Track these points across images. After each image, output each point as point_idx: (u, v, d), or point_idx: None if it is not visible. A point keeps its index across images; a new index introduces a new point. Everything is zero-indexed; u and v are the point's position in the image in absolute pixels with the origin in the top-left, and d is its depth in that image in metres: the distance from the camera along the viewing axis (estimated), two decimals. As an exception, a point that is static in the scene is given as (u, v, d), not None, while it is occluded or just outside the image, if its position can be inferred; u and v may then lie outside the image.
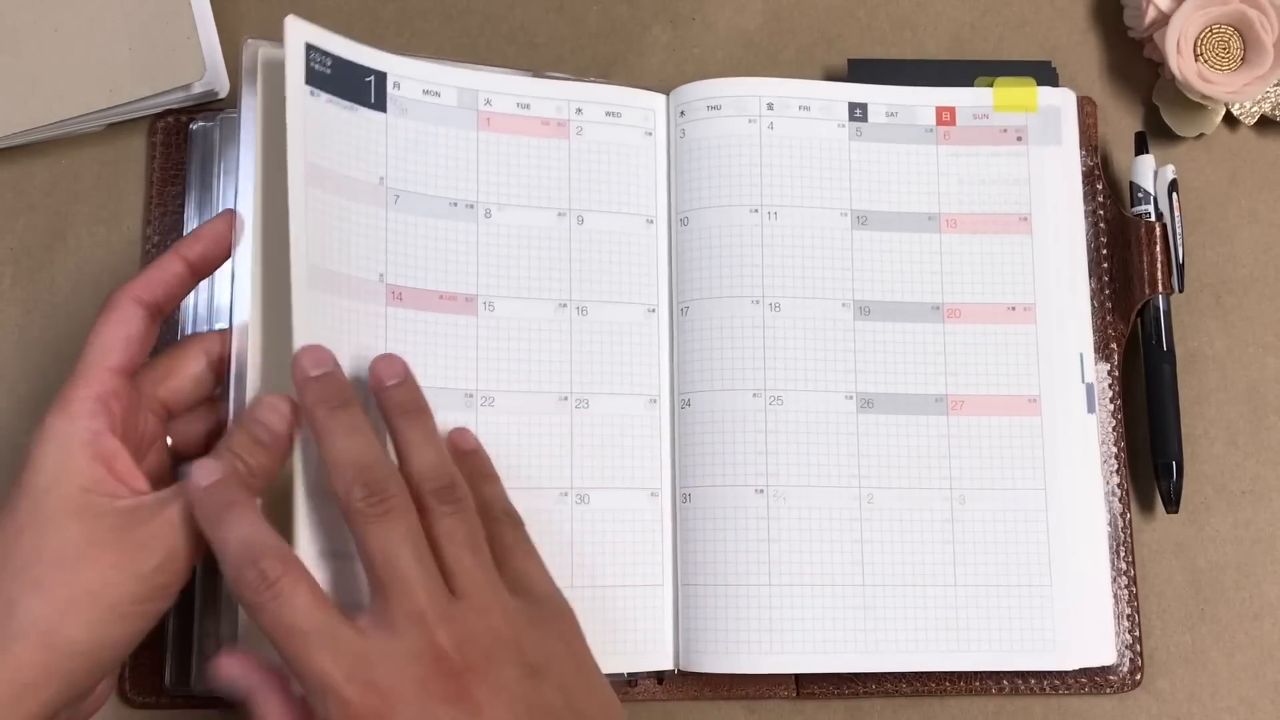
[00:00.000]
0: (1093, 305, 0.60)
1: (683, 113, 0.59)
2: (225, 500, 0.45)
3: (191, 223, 0.59)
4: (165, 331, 0.58)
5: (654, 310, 0.57)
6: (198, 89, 0.60)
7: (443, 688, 0.42)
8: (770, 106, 0.59)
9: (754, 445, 0.56)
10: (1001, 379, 0.58)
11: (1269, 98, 0.63)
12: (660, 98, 0.60)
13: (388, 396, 0.49)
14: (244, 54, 0.55)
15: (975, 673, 0.57)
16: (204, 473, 0.45)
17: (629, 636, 0.55)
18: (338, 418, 0.46)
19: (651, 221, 0.58)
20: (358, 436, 0.46)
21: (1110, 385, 0.60)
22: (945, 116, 0.60)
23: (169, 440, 0.51)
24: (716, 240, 0.57)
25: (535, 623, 0.45)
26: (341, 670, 0.41)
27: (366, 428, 0.47)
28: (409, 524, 0.44)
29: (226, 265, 0.58)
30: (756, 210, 0.58)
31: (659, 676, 0.57)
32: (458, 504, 0.46)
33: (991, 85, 0.61)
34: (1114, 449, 0.59)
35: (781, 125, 0.59)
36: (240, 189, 0.53)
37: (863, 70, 0.62)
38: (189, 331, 0.58)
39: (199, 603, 0.55)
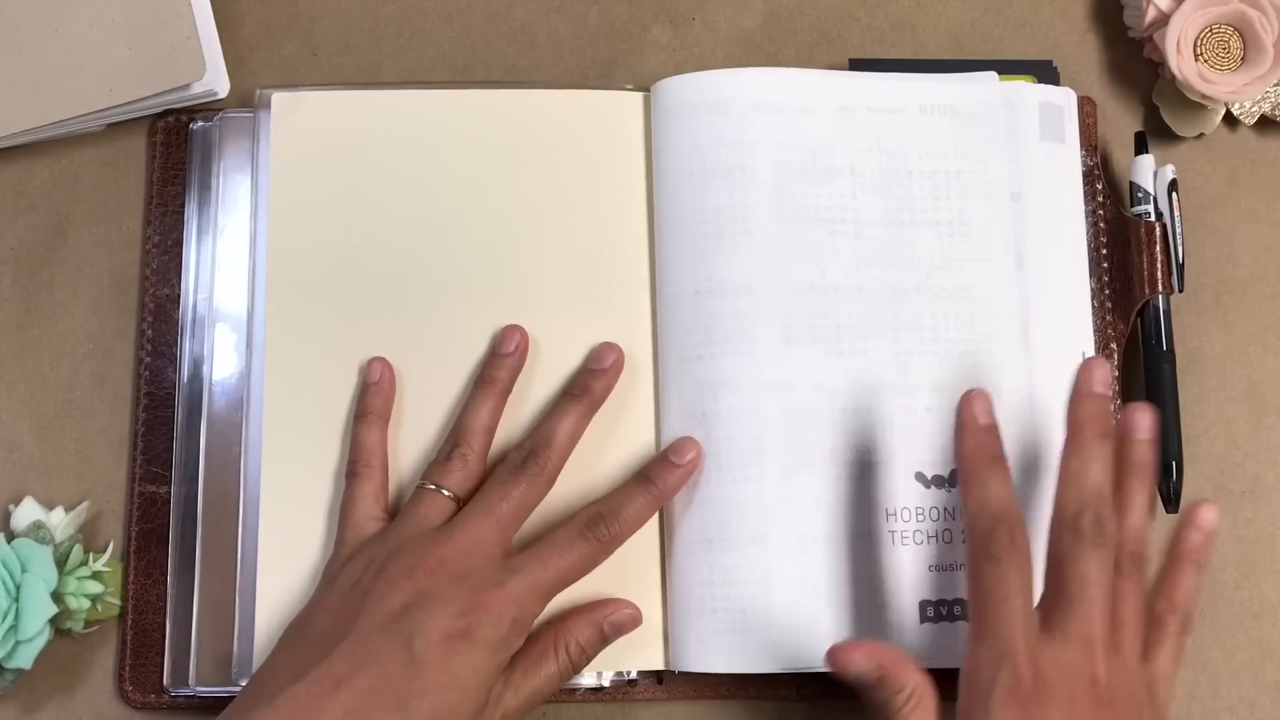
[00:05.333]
0: (1093, 305, 0.60)
1: None
2: (990, 457, 0.51)
3: (192, 223, 0.59)
4: (165, 329, 0.59)
5: None
6: (198, 89, 0.60)
7: (1089, 711, 0.46)
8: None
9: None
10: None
11: (1269, 97, 0.63)
12: None
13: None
14: (256, 101, 0.59)
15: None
16: (980, 414, 0.53)
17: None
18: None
19: None
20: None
21: (1110, 385, 0.60)
22: None
23: None
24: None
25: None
26: (1025, 648, 0.47)
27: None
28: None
29: (227, 267, 0.58)
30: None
31: (659, 676, 0.57)
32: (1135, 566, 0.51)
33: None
34: (1114, 449, 0.59)
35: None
36: (259, 226, 0.58)
37: (864, 70, 0.61)
38: (189, 331, 0.58)
39: (198, 603, 0.55)
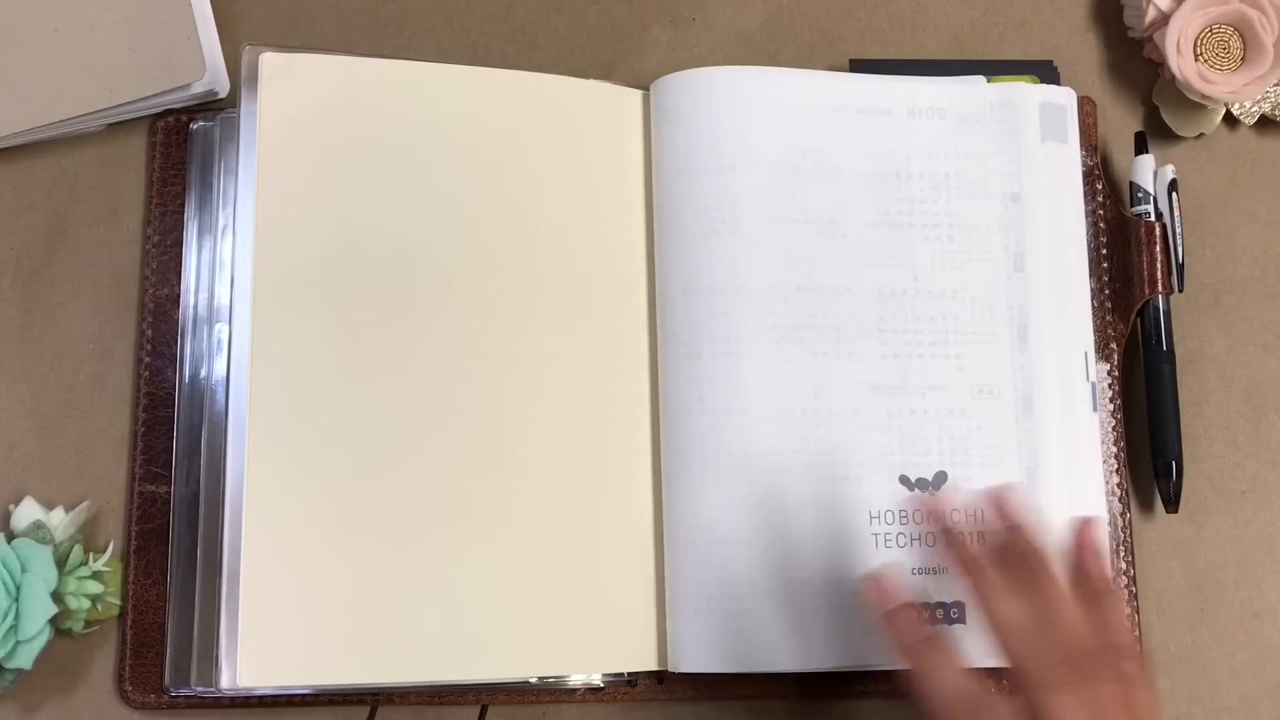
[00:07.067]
0: (1093, 305, 0.60)
1: None
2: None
3: (192, 223, 0.59)
4: (165, 329, 0.59)
5: None
6: (198, 89, 0.60)
7: None
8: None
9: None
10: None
11: (1269, 97, 0.63)
12: None
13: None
14: (244, 59, 0.56)
15: (975, 672, 0.57)
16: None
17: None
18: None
19: None
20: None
21: (1110, 385, 0.60)
22: None
23: None
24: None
25: None
26: None
27: None
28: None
29: (227, 267, 0.58)
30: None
31: (659, 676, 0.57)
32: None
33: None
34: (1114, 449, 0.59)
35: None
36: (241, 192, 0.56)
37: (864, 70, 0.62)
38: (189, 331, 0.58)
39: (199, 603, 0.55)
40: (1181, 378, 0.60)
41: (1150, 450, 0.60)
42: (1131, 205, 0.61)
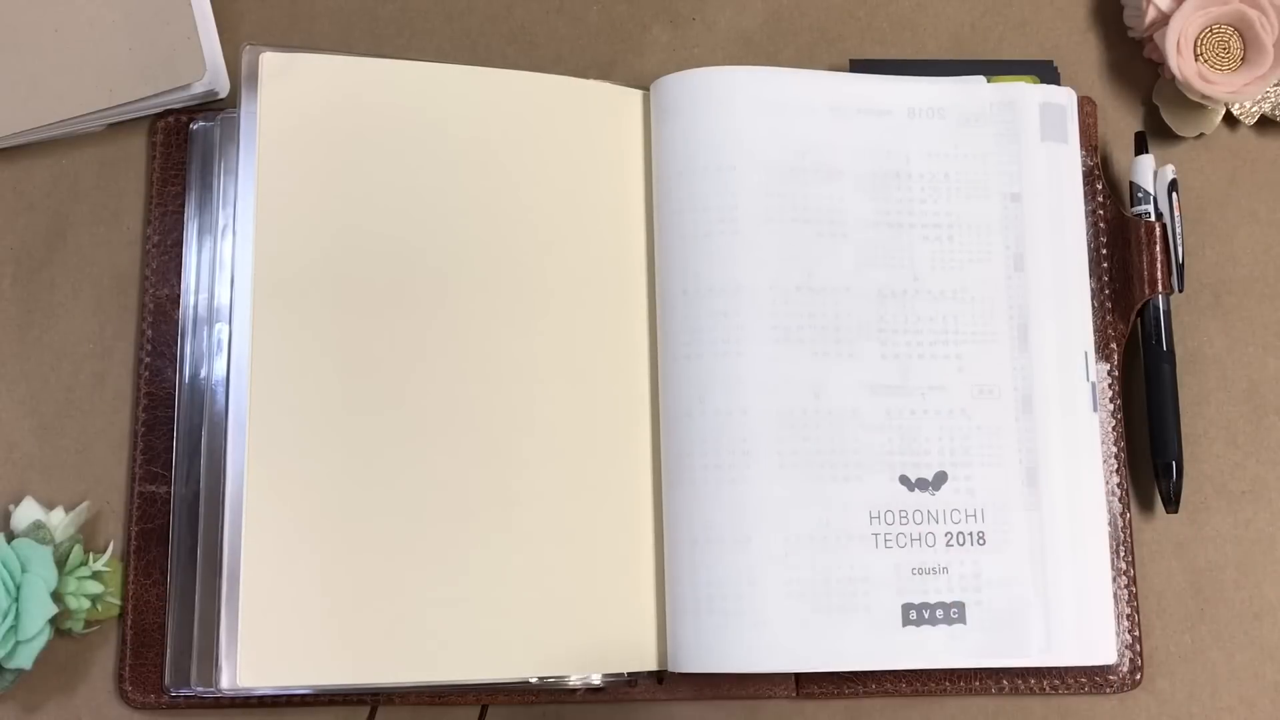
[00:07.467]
0: (1093, 305, 0.60)
1: None
2: None
3: (192, 223, 0.59)
4: (165, 329, 0.59)
5: None
6: (198, 89, 0.60)
7: None
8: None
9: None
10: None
11: (1269, 98, 0.63)
12: None
13: None
14: (244, 59, 0.56)
15: (975, 672, 0.57)
16: None
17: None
18: None
19: None
20: None
21: (1110, 385, 0.60)
22: None
23: None
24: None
25: None
26: None
27: None
28: None
29: (227, 267, 0.58)
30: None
31: (659, 676, 0.57)
32: None
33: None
34: (1114, 449, 0.59)
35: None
36: (241, 192, 0.56)
37: (864, 70, 0.62)
38: (189, 331, 0.58)
39: (199, 602, 0.55)
40: (1181, 378, 0.60)
41: (1150, 450, 0.60)
42: (1131, 205, 0.61)
